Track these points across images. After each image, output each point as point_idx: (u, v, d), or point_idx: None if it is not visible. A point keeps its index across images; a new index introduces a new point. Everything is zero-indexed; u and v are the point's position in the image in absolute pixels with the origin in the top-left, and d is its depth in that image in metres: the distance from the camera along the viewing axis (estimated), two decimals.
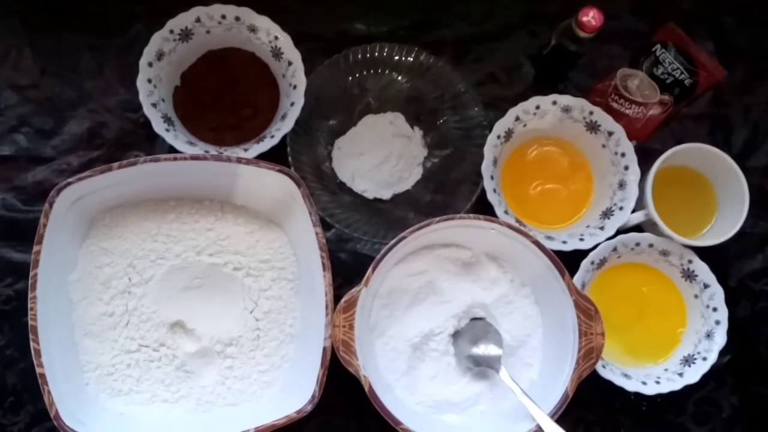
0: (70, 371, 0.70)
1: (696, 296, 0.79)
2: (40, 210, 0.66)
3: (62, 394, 0.65)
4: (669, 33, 0.84)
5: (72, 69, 0.82)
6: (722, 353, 0.78)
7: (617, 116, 0.80)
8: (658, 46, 0.83)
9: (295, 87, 0.76)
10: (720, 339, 0.77)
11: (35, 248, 0.66)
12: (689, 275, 0.79)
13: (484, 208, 0.77)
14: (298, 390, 0.69)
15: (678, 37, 0.84)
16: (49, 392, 0.64)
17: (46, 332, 0.66)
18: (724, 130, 0.87)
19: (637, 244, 0.78)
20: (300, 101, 0.76)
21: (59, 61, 0.82)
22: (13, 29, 0.82)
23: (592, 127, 0.80)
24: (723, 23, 0.89)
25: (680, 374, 0.77)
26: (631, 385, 0.75)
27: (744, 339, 0.81)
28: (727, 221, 0.80)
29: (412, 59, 0.82)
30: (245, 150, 0.75)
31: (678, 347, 0.79)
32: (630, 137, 0.79)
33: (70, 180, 0.67)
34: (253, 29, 0.78)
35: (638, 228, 0.81)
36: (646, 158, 0.79)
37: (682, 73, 0.82)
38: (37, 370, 0.64)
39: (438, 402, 0.73)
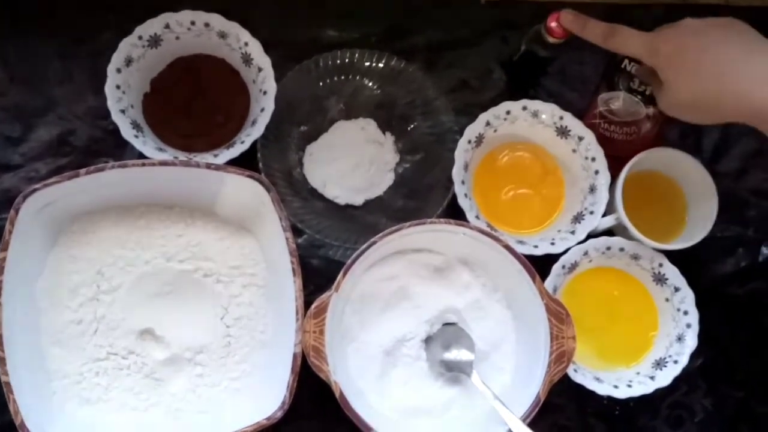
0: (37, 380, 0.69)
1: (667, 299, 0.79)
2: (7, 217, 0.66)
3: (29, 403, 0.64)
4: None
5: (41, 76, 0.81)
6: (694, 356, 0.78)
7: (612, 144, 0.81)
8: (626, 60, 0.84)
9: (265, 93, 0.76)
10: (691, 342, 0.77)
11: (0, 255, 0.65)
12: (660, 279, 0.79)
13: (456, 214, 0.77)
14: (268, 396, 0.68)
15: None
16: (14, 401, 0.63)
17: (12, 340, 0.65)
18: (694, 133, 0.87)
19: (608, 248, 0.79)
20: (270, 107, 0.75)
21: (28, 67, 0.81)
22: None
23: (563, 132, 0.80)
24: None
25: (652, 378, 0.77)
26: (602, 389, 0.75)
27: (715, 342, 0.81)
28: (697, 225, 0.80)
29: (382, 65, 0.82)
30: (215, 156, 0.75)
31: (650, 351, 0.79)
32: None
33: (36, 186, 0.67)
34: (222, 35, 0.77)
35: (609, 232, 0.81)
36: (616, 163, 0.79)
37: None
38: (2, 378, 0.63)
39: (410, 407, 0.73)
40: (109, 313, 0.72)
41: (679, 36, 0.66)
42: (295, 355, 0.67)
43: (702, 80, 0.65)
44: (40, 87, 0.81)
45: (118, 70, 0.75)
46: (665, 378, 0.77)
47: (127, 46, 0.75)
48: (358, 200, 0.82)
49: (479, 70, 0.87)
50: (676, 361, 0.77)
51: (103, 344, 0.71)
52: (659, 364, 0.78)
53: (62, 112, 0.81)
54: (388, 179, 0.83)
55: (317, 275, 0.78)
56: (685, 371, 0.77)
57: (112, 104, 0.74)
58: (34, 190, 0.67)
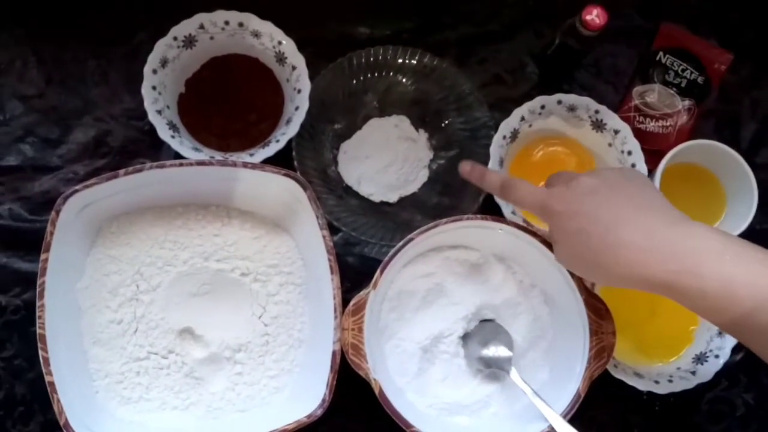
0: (80, 380, 0.69)
1: None
2: (46, 219, 0.66)
3: (72, 403, 0.65)
4: (667, 35, 0.85)
5: (77, 78, 0.82)
6: (735, 351, 0.77)
7: (647, 137, 0.81)
8: (661, 52, 0.83)
9: (299, 91, 0.76)
10: (732, 337, 0.76)
11: (43, 256, 0.66)
12: None
13: (491, 210, 0.77)
14: (307, 394, 0.69)
15: (677, 37, 0.84)
16: (58, 400, 0.64)
17: (55, 341, 0.66)
18: (731, 125, 0.86)
19: None
20: (305, 105, 0.76)
21: (64, 70, 0.82)
22: (18, 39, 0.82)
23: (598, 125, 0.80)
24: (727, 18, 0.88)
25: (693, 372, 0.76)
26: (643, 385, 0.75)
27: None
28: (736, 218, 0.79)
29: (416, 61, 0.82)
30: (251, 155, 0.75)
31: (690, 345, 0.79)
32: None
33: (76, 188, 0.67)
34: (256, 35, 0.77)
35: None
36: (652, 156, 0.78)
37: (692, 72, 0.82)
38: (46, 378, 0.64)
39: (449, 404, 0.73)
40: (149, 313, 0.72)
41: (571, 198, 0.61)
42: (334, 353, 0.67)
43: (587, 249, 0.60)
44: (76, 88, 0.82)
45: (154, 71, 0.75)
46: (707, 373, 0.76)
47: (162, 47, 0.75)
48: (392, 197, 0.82)
49: (512, 64, 0.87)
50: (717, 356, 0.76)
51: (144, 344, 0.72)
52: (700, 358, 0.77)
53: (98, 114, 0.81)
54: (423, 176, 0.83)
55: (353, 273, 0.78)
56: (726, 365, 0.77)
57: (148, 105, 0.74)
58: (75, 192, 0.67)
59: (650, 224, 0.58)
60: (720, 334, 0.77)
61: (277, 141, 0.75)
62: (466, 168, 0.71)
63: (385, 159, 0.81)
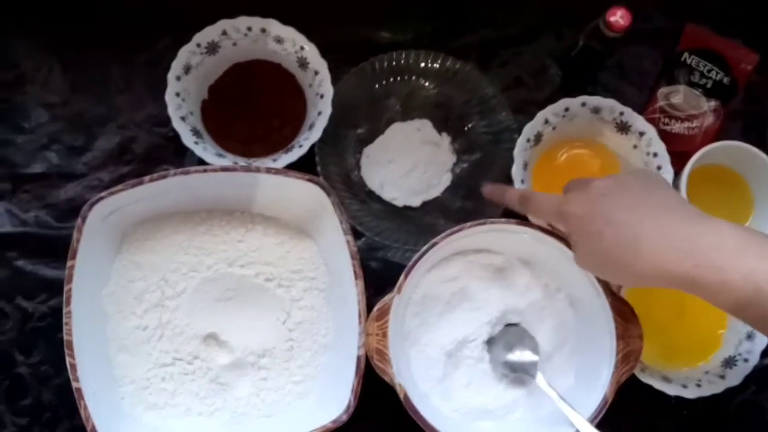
0: (106, 386, 0.70)
1: None
2: (72, 226, 0.67)
3: (98, 409, 0.65)
4: (692, 35, 0.84)
5: (101, 85, 0.82)
6: (764, 354, 0.76)
7: (673, 139, 0.80)
8: (686, 53, 0.82)
9: (322, 96, 0.76)
10: (761, 340, 0.76)
11: (69, 263, 0.66)
12: None
13: (514, 213, 0.76)
14: (332, 400, 0.68)
15: (701, 37, 0.83)
16: (85, 407, 0.64)
17: (81, 347, 0.66)
18: (758, 126, 0.85)
19: None
20: (327, 110, 0.76)
21: (88, 77, 0.82)
22: (42, 47, 0.82)
23: (623, 127, 0.79)
24: (752, 19, 0.87)
25: (722, 377, 0.75)
26: (671, 389, 0.74)
27: None
28: (763, 220, 0.78)
29: (438, 65, 0.82)
30: (274, 160, 0.75)
31: (719, 349, 0.78)
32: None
33: (102, 194, 0.67)
34: (279, 40, 0.78)
35: None
36: (677, 158, 0.78)
37: (717, 73, 0.82)
38: (73, 384, 0.64)
39: (474, 409, 0.73)
40: (174, 319, 0.72)
41: (586, 201, 0.62)
42: (359, 358, 0.67)
43: (605, 250, 0.60)
44: (100, 96, 0.82)
45: (178, 78, 0.75)
46: (736, 377, 0.75)
47: (185, 53, 0.76)
48: (415, 202, 0.82)
49: (534, 66, 0.86)
50: (746, 360, 0.75)
51: (169, 350, 0.72)
52: (729, 362, 0.76)
53: (122, 121, 0.82)
54: (446, 180, 0.83)
55: (376, 278, 0.78)
56: (755, 369, 0.76)
57: (172, 112, 0.74)
58: (100, 198, 0.67)
59: (667, 222, 0.58)
60: (749, 337, 0.76)
61: (300, 146, 0.75)
62: (487, 189, 0.75)
63: (408, 163, 0.81)
